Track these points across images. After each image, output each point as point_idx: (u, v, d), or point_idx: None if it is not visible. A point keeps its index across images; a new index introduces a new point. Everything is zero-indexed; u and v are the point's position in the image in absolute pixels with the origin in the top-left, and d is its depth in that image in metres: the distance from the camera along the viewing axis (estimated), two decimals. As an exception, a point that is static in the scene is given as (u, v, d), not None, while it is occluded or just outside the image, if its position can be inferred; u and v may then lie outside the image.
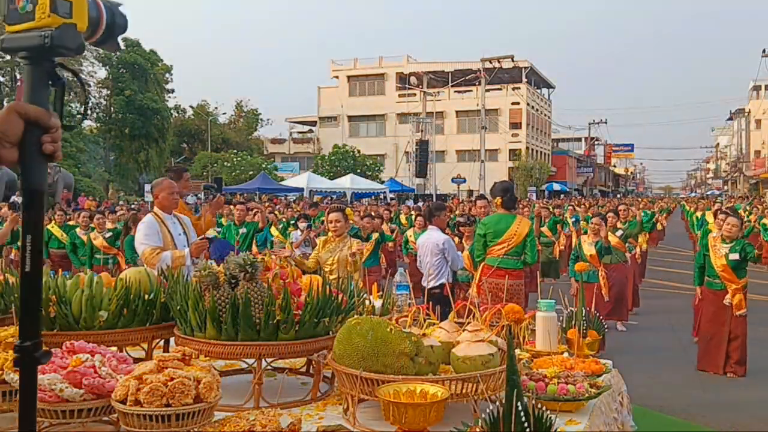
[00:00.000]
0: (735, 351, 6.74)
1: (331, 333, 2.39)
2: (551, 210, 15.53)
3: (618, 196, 69.40)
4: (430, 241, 6.73)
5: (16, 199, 23.82)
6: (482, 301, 5.41)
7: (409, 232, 12.26)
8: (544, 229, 13.17)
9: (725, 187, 78.87)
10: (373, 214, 12.46)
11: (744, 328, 6.75)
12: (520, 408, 1.66)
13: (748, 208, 20.88)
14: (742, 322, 6.72)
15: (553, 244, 13.33)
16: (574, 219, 15.90)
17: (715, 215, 8.12)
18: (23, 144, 1.20)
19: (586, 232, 8.80)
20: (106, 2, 1.27)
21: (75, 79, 1.54)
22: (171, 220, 5.06)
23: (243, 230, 9.86)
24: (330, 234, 5.89)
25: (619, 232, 8.97)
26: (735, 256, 6.61)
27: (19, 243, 11.81)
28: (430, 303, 3.11)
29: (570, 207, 19.23)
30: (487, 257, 6.46)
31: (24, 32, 1.20)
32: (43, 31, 1.18)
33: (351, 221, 5.98)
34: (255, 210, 10.98)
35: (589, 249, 8.13)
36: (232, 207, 13.64)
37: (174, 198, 5.09)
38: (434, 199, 36.71)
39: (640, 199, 40.19)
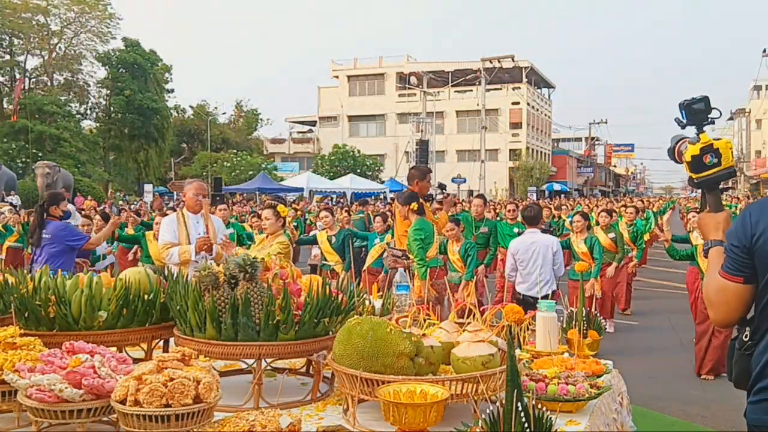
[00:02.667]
0: (711, 354, 6.69)
1: (331, 333, 2.39)
2: (551, 210, 15.54)
3: (618, 196, 69.42)
4: (542, 243, 6.33)
5: (12, 198, 23.77)
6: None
7: None
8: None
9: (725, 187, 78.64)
10: (388, 213, 12.41)
11: (729, 331, 6.70)
12: (520, 408, 1.66)
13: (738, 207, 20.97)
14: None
15: None
16: (569, 218, 15.91)
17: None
18: None
19: (589, 227, 8.76)
20: None
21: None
22: (194, 220, 5.28)
23: (230, 231, 9.84)
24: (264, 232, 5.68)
25: (612, 234, 8.97)
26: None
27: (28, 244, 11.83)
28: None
29: (564, 207, 19.25)
30: (429, 259, 6.50)
31: None
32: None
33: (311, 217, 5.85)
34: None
35: (580, 247, 8.12)
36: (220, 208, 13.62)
37: (198, 200, 5.24)
38: (434, 199, 36.74)
39: (643, 200, 40.19)
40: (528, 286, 6.31)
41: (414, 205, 6.22)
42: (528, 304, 5.92)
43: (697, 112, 2.21)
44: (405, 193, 6.71)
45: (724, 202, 2.29)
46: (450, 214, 12.97)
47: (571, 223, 15.22)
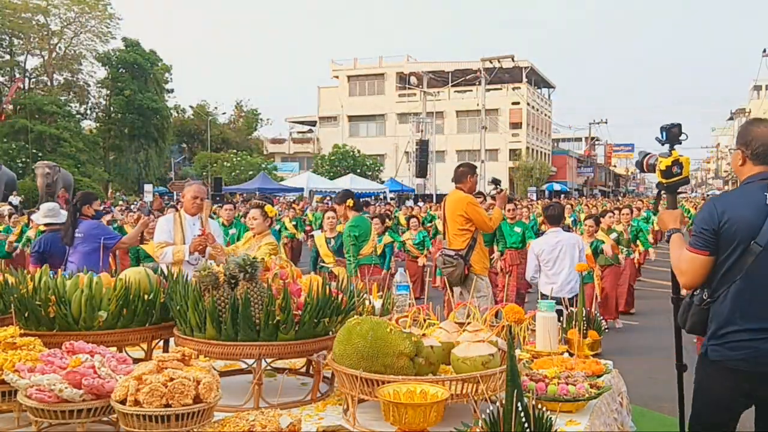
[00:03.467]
0: None
1: (331, 333, 2.39)
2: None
3: (619, 196, 69.43)
4: (567, 242, 6.16)
5: (13, 198, 23.79)
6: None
7: (406, 236, 12.25)
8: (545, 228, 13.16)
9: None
10: (388, 215, 12.40)
11: None
12: (520, 408, 1.66)
13: None
14: None
15: None
16: (571, 218, 15.90)
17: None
18: None
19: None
20: None
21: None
22: (191, 222, 5.27)
23: (233, 231, 9.83)
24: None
25: (614, 235, 8.97)
26: None
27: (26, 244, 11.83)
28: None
29: (568, 206, 19.22)
30: (362, 257, 6.42)
31: None
32: None
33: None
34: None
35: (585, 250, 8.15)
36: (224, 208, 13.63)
37: (195, 203, 5.28)
38: (434, 199, 36.74)
39: (642, 200, 40.20)
40: (558, 287, 6.02)
41: (350, 202, 6.14)
42: (559, 305, 5.87)
43: (672, 134, 2.96)
44: (341, 192, 6.64)
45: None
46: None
47: (573, 223, 15.25)
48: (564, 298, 3.35)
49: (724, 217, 2.60)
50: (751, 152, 2.71)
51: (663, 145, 2.97)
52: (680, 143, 2.95)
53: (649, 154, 3.06)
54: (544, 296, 6.07)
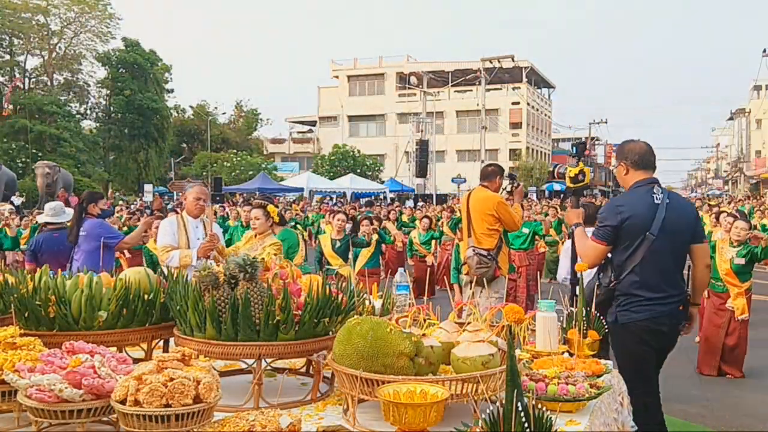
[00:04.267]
0: (733, 353, 6.70)
1: (331, 333, 2.39)
2: (558, 210, 15.53)
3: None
4: None
5: (15, 199, 23.80)
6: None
7: (413, 234, 12.23)
8: (550, 229, 13.19)
9: (726, 188, 78.89)
10: (378, 215, 12.41)
11: (744, 331, 6.71)
12: (520, 408, 1.66)
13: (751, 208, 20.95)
14: (741, 325, 6.67)
15: (557, 244, 13.33)
16: None
17: (717, 217, 8.05)
18: None
19: None
20: None
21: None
22: (194, 225, 5.24)
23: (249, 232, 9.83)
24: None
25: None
26: (740, 261, 6.55)
27: (23, 246, 11.81)
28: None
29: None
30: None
31: None
32: None
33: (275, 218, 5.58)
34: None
35: None
36: (238, 208, 13.64)
37: (198, 204, 5.25)
38: (434, 200, 36.74)
39: None
40: None
41: (276, 217, 5.86)
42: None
43: (580, 149, 4.59)
44: (259, 197, 6.39)
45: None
46: (454, 216, 13.01)
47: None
48: (564, 298, 3.34)
49: (625, 215, 3.38)
50: (631, 162, 3.53)
51: (573, 157, 4.27)
52: (585, 156, 3.90)
53: (558, 165, 3.91)
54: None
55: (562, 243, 13.56)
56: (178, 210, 15.48)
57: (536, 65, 56.47)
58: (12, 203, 21.58)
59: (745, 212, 17.90)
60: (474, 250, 5.79)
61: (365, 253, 8.53)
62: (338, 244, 8.34)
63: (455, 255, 8.65)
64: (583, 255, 3.56)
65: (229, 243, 10.37)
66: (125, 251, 9.08)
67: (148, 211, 16.43)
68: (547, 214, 14.63)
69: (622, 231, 3.38)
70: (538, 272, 9.96)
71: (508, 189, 6.59)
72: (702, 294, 4.00)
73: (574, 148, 3.70)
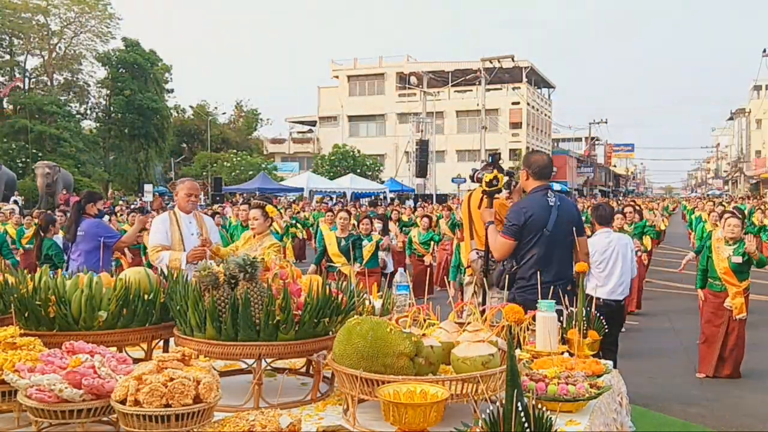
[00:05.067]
0: (731, 354, 6.68)
1: (331, 333, 2.39)
2: None
3: (619, 196, 69.45)
4: (619, 242, 5.96)
5: (17, 198, 23.82)
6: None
7: (413, 233, 12.23)
8: None
9: (726, 187, 78.90)
10: (383, 215, 12.40)
11: (742, 331, 6.68)
12: (520, 408, 1.66)
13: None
14: (739, 325, 6.65)
15: None
16: None
17: (720, 216, 8.01)
18: None
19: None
20: None
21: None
22: (187, 220, 5.19)
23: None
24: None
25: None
26: (737, 259, 6.53)
27: (26, 246, 11.81)
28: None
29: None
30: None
31: None
32: None
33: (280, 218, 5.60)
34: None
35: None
36: (233, 207, 13.65)
37: (190, 200, 5.19)
38: (434, 200, 36.72)
39: (640, 200, 40.24)
40: (610, 289, 5.82)
41: (274, 216, 5.73)
42: (609, 310, 5.60)
43: (495, 159, 4.58)
44: (258, 198, 6.26)
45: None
46: (453, 215, 13.00)
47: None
48: (564, 298, 3.33)
49: (528, 215, 4.12)
50: (532, 172, 4.30)
51: (489, 165, 4.51)
52: (499, 165, 4.49)
53: (476, 170, 4.62)
54: (597, 300, 5.82)
55: None
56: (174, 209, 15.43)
57: (536, 65, 56.48)
58: (16, 203, 21.61)
59: (745, 211, 17.94)
60: (478, 253, 5.78)
61: (366, 252, 8.53)
62: (343, 242, 8.33)
63: (456, 254, 8.66)
64: (494, 249, 4.27)
65: (227, 243, 10.37)
66: (126, 251, 9.09)
67: (138, 211, 16.38)
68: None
69: (525, 228, 4.13)
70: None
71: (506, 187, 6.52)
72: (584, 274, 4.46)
73: (491, 157, 4.16)
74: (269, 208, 5.23)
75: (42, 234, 7.65)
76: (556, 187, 56.44)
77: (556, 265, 4.13)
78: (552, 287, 3.69)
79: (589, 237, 6.51)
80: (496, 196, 5.97)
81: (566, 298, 3.31)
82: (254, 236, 5.33)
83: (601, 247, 5.89)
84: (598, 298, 5.70)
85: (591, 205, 25.48)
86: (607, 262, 5.86)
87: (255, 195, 33.61)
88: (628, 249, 5.92)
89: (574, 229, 4.12)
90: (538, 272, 3.61)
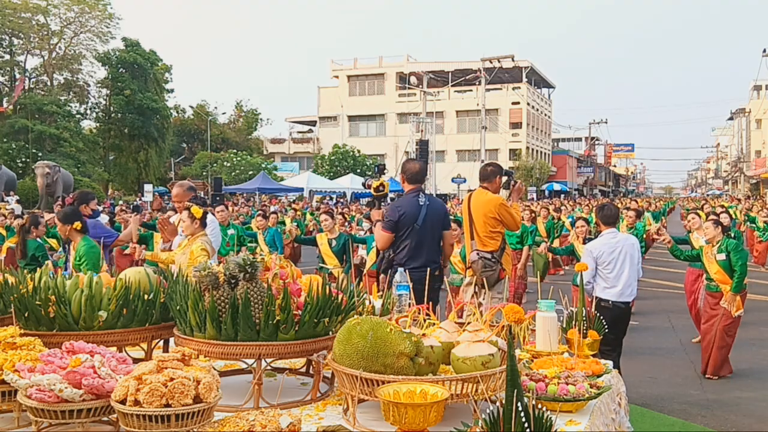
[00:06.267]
0: (715, 353, 6.67)
1: (330, 333, 2.39)
2: (549, 211, 15.53)
3: (618, 196, 69.48)
4: (626, 243, 5.81)
5: (9, 199, 23.76)
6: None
7: None
8: (540, 228, 13.22)
9: (726, 187, 78.92)
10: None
11: (732, 330, 6.67)
12: (520, 408, 1.66)
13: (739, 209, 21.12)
14: (731, 325, 6.63)
15: (541, 244, 13.33)
16: (569, 219, 15.90)
17: (706, 217, 8.08)
18: None
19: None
20: None
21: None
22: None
23: (231, 231, 9.85)
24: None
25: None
26: (722, 256, 6.56)
27: (8, 242, 11.78)
28: (601, 318, 3.13)
29: (563, 208, 19.23)
30: None
31: None
32: None
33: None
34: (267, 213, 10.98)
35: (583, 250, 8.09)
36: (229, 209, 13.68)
37: (179, 206, 5.28)
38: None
39: (639, 200, 40.24)
40: (618, 291, 5.70)
41: (77, 225, 5.53)
42: (618, 312, 5.58)
43: (381, 168, 6.00)
44: (65, 211, 5.84)
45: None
46: (454, 215, 13.00)
47: (572, 225, 15.26)
48: (565, 300, 3.33)
49: (401, 212, 5.08)
50: (407, 177, 5.32)
51: (375, 174, 5.27)
52: (384, 173, 5.57)
53: (367, 178, 5.45)
54: (604, 302, 5.64)
55: (547, 245, 13.63)
56: (178, 209, 15.44)
57: (536, 65, 56.49)
58: (19, 202, 21.60)
59: (732, 211, 18.07)
60: (478, 254, 5.77)
61: (372, 255, 8.51)
62: (334, 243, 8.31)
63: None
64: (378, 240, 5.25)
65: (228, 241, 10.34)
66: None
67: (135, 210, 16.38)
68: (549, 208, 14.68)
69: (399, 223, 5.07)
70: (525, 271, 9.96)
71: (506, 187, 6.50)
72: (448, 261, 5.68)
73: (376, 167, 5.96)
74: (194, 209, 5.10)
75: (26, 234, 7.57)
76: (556, 187, 56.63)
77: (425, 253, 5.07)
78: (421, 271, 4.29)
79: (593, 239, 6.45)
80: (496, 196, 6.06)
81: (434, 282, 4.06)
82: (186, 238, 5.10)
83: (608, 248, 5.78)
84: (606, 300, 5.63)
85: (589, 205, 25.48)
86: (615, 263, 5.74)
87: (255, 195, 33.64)
88: (635, 249, 5.82)
89: (440, 224, 5.23)
90: (410, 260, 4.90)
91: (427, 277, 3.33)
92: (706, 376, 6.69)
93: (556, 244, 13.63)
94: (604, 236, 5.92)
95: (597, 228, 6.38)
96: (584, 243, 7.95)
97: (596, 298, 5.59)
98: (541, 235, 13.03)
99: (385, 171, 5.20)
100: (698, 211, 8.57)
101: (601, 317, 3.21)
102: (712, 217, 7.31)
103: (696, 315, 7.91)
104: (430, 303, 2.96)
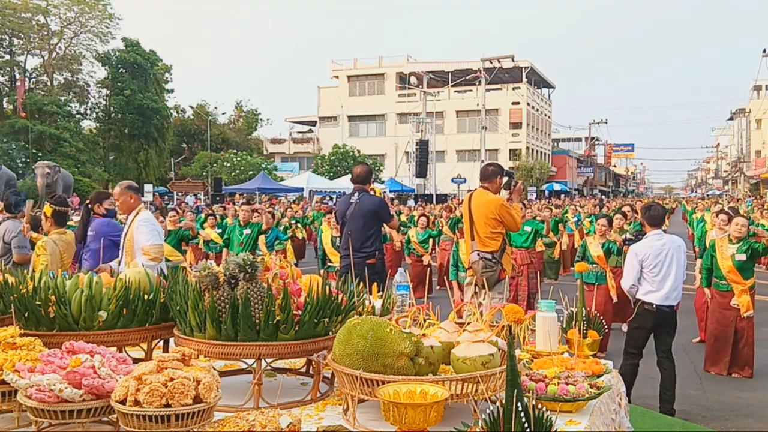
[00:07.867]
0: (741, 352, 6.71)
1: (330, 333, 2.39)
2: (552, 210, 15.53)
3: (619, 196, 69.45)
4: (673, 244, 5.59)
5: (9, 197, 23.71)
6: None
7: (411, 233, 12.23)
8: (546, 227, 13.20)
9: (726, 188, 78.90)
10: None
11: (751, 330, 6.73)
12: (520, 408, 1.66)
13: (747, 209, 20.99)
14: (748, 324, 6.68)
15: (554, 245, 13.30)
16: (576, 218, 15.88)
17: (717, 215, 8.04)
18: None
19: (589, 232, 8.74)
20: None
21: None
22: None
23: (247, 231, 9.85)
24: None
25: (626, 234, 8.91)
26: (741, 257, 6.55)
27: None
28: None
29: (572, 207, 19.19)
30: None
31: None
32: None
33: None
34: (260, 211, 10.97)
35: (596, 250, 8.06)
36: (236, 207, 13.66)
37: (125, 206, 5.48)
38: (434, 200, 36.71)
39: (641, 200, 40.22)
40: (664, 294, 5.47)
41: (48, 210, 5.58)
42: (662, 315, 5.46)
43: (351, 173, 6.63)
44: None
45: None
46: (453, 216, 12.99)
47: (576, 224, 15.25)
48: (565, 300, 3.33)
49: (337, 208, 6.46)
50: (353, 179, 6.32)
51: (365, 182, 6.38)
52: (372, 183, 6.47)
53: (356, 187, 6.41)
54: (647, 305, 5.50)
55: (560, 244, 13.61)
56: (178, 210, 15.45)
57: (536, 65, 56.48)
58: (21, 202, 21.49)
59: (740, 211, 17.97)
60: (479, 254, 5.75)
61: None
62: (338, 240, 8.31)
63: (454, 253, 8.65)
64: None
65: (227, 242, 10.35)
66: None
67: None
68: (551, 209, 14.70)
69: (337, 216, 6.52)
70: (538, 271, 9.94)
71: (507, 187, 6.46)
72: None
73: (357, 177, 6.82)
74: (46, 208, 5.26)
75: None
76: (556, 187, 56.63)
77: (356, 243, 5.93)
78: (357, 259, 5.80)
79: (638, 240, 6.17)
80: (497, 197, 6.05)
81: (366, 269, 5.19)
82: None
83: (654, 250, 5.53)
84: (650, 303, 5.44)
85: (594, 204, 25.42)
86: (662, 265, 5.49)
87: (255, 195, 33.62)
88: (681, 251, 5.61)
89: (372, 217, 6.16)
90: (345, 249, 5.87)
91: (351, 261, 5.28)
92: (734, 375, 6.71)
93: (564, 240, 13.73)
94: (650, 238, 5.68)
95: (643, 229, 6.13)
96: (625, 243, 7.77)
97: (640, 301, 5.50)
98: (549, 237, 13.01)
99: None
100: (726, 210, 8.42)
101: (644, 320, 3.17)
102: (740, 214, 7.19)
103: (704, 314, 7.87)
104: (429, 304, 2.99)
